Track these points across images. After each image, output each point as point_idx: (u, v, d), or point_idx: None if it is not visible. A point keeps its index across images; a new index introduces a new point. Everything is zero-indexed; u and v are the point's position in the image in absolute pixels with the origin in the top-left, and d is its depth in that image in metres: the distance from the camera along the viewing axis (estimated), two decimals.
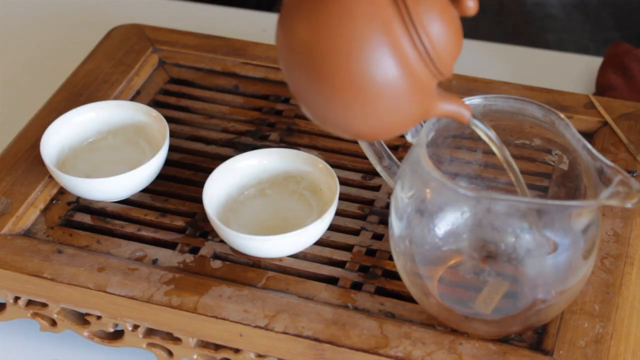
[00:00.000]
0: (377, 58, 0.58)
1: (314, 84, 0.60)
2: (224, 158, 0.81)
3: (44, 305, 0.76)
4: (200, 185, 0.78)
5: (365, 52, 0.58)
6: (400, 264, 0.68)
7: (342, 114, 0.60)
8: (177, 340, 0.73)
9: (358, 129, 0.62)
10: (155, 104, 0.90)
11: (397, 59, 0.59)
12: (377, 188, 0.81)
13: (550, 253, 0.66)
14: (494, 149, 0.66)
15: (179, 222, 0.78)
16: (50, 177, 0.81)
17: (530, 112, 0.68)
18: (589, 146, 0.63)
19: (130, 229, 0.78)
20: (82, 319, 0.76)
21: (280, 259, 0.75)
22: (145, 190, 0.81)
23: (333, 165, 0.81)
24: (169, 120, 0.86)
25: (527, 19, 1.79)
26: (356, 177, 0.81)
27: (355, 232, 0.77)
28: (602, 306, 0.70)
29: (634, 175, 0.80)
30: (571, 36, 1.74)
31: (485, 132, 0.66)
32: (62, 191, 0.81)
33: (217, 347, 0.73)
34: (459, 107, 0.64)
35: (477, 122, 0.65)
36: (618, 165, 0.76)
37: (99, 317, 0.74)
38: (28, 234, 0.77)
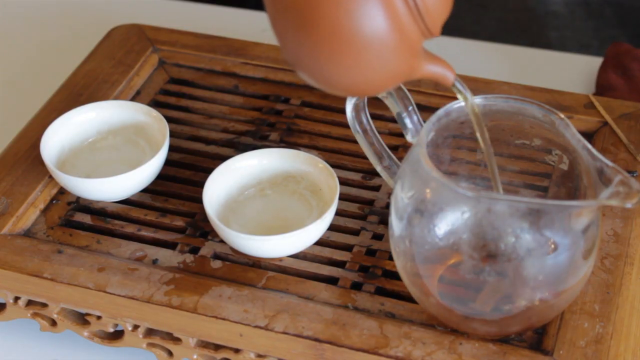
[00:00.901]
0: (365, 10, 0.58)
1: (301, 34, 0.60)
2: (224, 158, 0.81)
3: (44, 305, 0.76)
4: (200, 185, 0.78)
5: (354, 3, 0.58)
6: (400, 264, 0.68)
7: (328, 65, 0.60)
8: (177, 340, 0.73)
9: (344, 82, 0.61)
10: (155, 104, 0.90)
11: (386, 12, 0.58)
12: (377, 188, 0.81)
13: (550, 253, 0.66)
14: (472, 118, 0.66)
15: (179, 222, 0.78)
16: (50, 177, 0.81)
17: (530, 112, 0.68)
18: (589, 146, 0.63)
19: (130, 229, 0.78)
20: (82, 319, 0.76)
21: (280, 259, 0.75)
22: (145, 190, 0.81)
23: (333, 165, 0.81)
24: (169, 120, 0.86)
25: (530, 16, 1.79)
26: (356, 177, 0.81)
27: (355, 232, 0.77)
28: (602, 306, 0.70)
29: (634, 175, 0.80)
30: (574, 33, 1.74)
31: (467, 98, 0.66)
32: (62, 191, 0.81)
33: (217, 347, 0.73)
34: (443, 69, 0.64)
35: (459, 85, 0.65)
36: (618, 165, 0.76)
37: (99, 317, 0.74)
38: (28, 234, 0.77)
